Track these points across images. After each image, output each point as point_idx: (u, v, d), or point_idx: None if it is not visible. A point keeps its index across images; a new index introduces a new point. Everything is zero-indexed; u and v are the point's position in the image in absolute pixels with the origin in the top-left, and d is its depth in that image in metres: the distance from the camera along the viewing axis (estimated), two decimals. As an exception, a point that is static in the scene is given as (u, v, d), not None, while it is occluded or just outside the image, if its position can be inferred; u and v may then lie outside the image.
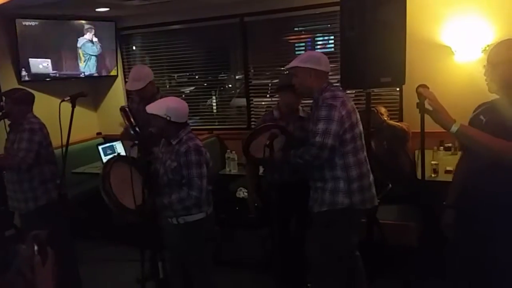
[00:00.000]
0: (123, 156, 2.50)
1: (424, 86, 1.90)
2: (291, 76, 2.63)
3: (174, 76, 5.48)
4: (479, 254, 1.97)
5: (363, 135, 2.53)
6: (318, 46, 4.79)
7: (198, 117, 5.28)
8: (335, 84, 2.67)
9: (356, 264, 2.73)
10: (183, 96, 5.31)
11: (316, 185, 2.51)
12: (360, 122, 2.51)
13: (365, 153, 2.53)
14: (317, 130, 2.33)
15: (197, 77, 5.32)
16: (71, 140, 2.67)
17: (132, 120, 2.49)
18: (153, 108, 2.42)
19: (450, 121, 1.77)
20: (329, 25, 4.52)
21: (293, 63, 2.54)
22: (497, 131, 1.78)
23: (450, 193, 2.16)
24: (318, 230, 2.54)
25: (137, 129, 2.53)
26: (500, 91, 1.86)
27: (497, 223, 1.87)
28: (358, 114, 2.50)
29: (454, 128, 1.76)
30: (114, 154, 2.65)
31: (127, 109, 2.73)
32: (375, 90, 3.98)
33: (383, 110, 3.86)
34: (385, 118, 3.81)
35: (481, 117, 1.95)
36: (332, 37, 4.57)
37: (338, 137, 2.34)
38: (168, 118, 2.37)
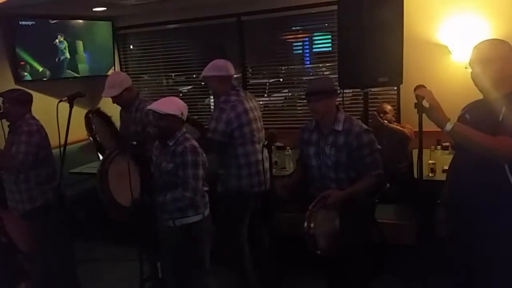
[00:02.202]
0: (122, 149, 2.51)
1: (421, 86, 1.91)
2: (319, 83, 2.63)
3: (171, 75, 5.48)
4: (467, 251, 2.00)
5: (257, 131, 2.96)
6: (316, 45, 4.81)
7: (195, 117, 5.25)
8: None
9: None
10: (181, 95, 5.31)
11: (219, 172, 3.01)
12: (255, 121, 2.94)
13: (256, 146, 2.92)
14: (209, 128, 2.84)
15: (194, 76, 5.31)
16: (68, 140, 2.66)
17: (92, 127, 2.66)
18: (164, 107, 2.38)
19: (444, 119, 1.78)
20: (326, 24, 4.54)
21: (202, 73, 2.97)
22: (479, 129, 1.80)
23: (443, 191, 2.18)
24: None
25: (97, 137, 2.70)
26: (489, 89, 1.88)
27: (481, 221, 1.90)
28: (255, 113, 2.96)
29: (448, 126, 1.77)
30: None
31: (90, 116, 2.78)
32: (373, 89, 4.00)
33: (388, 108, 3.86)
34: (391, 117, 3.83)
35: (466, 115, 2.00)
36: (329, 37, 4.59)
37: (226, 134, 2.82)
38: (182, 117, 2.40)
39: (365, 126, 2.47)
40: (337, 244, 2.34)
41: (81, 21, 4.88)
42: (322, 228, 2.30)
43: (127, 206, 2.34)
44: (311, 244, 2.29)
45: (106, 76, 5.13)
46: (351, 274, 2.60)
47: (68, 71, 4.86)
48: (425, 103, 1.83)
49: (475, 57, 1.90)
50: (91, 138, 2.79)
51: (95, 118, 2.95)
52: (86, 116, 2.86)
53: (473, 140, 1.78)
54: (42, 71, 4.62)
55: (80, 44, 4.93)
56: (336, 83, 3.18)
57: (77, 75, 4.94)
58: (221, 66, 2.91)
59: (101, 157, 4.03)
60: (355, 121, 2.48)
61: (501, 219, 1.85)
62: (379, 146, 2.47)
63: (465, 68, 1.99)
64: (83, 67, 5.00)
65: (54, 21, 4.64)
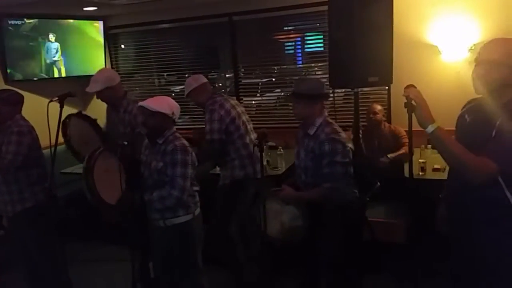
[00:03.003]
0: (107, 147, 2.50)
1: (411, 86, 1.92)
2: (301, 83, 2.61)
3: (163, 75, 5.47)
4: (461, 254, 1.99)
5: (247, 122, 3.21)
6: (308, 45, 4.83)
7: (187, 117, 5.27)
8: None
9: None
10: (173, 95, 5.30)
11: (222, 168, 3.22)
12: (243, 114, 3.20)
13: (251, 136, 3.18)
14: (206, 131, 3.03)
15: (186, 75, 5.29)
16: (59, 141, 2.65)
17: (67, 132, 2.74)
18: (155, 105, 2.37)
19: (427, 120, 1.73)
20: (318, 24, 4.56)
21: (185, 92, 3.23)
22: (477, 135, 1.74)
23: (445, 186, 2.15)
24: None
25: (71, 142, 2.79)
26: (491, 92, 1.76)
27: (476, 226, 1.86)
28: (240, 108, 3.21)
29: (430, 128, 1.72)
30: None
31: (67, 120, 2.79)
32: (364, 89, 4.03)
33: (378, 108, 3.88)
34: (381, 117, 3.86)
35: (466, 116, 1.93)
36: (321, 37, 4.61)
37: (222, 131, 3.01)
38: (173, 116, 2.40)
39: (333, 135, 2.35)
40: (285, 237, 2.37)
41: (71, 20, 4.85)
42: (269, 215, 2.36)
43: (113, 204, 2.33)
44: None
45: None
46: (324, 274, 2.59)
47: (58, 70, 4.83)
48: (414, 103, 1.83)
49: (485, 57, 1.74)
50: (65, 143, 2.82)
51: (74, 121, 2.94)
52: (63, 121, 2.84)
53: (451, 151, 1.71)
54: (32, 71, 4.58)
55: (70, 44, 4.90)
56: (327, 85, 3.21)
57: (67, 75, 4.90)
58: (191, 81, 3.21)
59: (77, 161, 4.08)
60: (329, 128, 2.39)
61: (495, 227, 1.79)
62: (345, 160, 2.36)
63: (457, 72, 1.95)
64: (74, 67, 4.97)
65: (44, 21, 4.61)
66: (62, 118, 2.67)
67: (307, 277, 2.72)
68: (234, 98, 3.42)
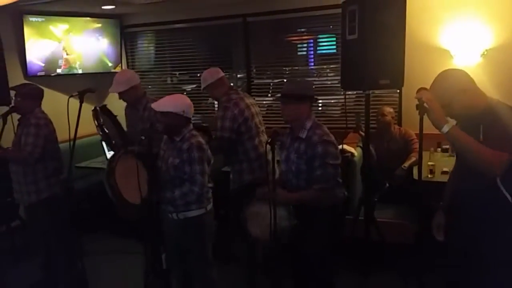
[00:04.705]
0: (129, 149, 2.58)
1: (423, 89, 1.96)
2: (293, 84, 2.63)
3: (175, 74, 5.55)
4: (461, 253, 2.04)
5: (260, 124, 3.16)
6: (320, 47, 4.86)
7: (199, 115, 5.34)
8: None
9: None
10: (185, 93, 5.37)
11: (230, 169, 3.17)
12: (256, 115, 3.14)
13: (261, 138, 3.10)
14: (217, 127, 2.98)
15: (198, 75, 5.37)
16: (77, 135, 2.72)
17: (100, 119, 2.78)
18: (166, 105, 2.46)
19: (442, 121, 1.81)
20: (331, 26, 4.60)
21: (202, 86, 3.17)
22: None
23: (445, 194, 2.22)
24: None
25: (104, 128, 2.83)
26: (466, 117, 1.94)
27: (476, 226, 1.92)
28: (255, 108, 3.16)
29: (445, 129, 1.80)
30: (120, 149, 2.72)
31: (98, 108, 2.87)
32: (376, 92, 4.06)
33: (388, 110, 3.91)
34: (390, 119, 3.88)
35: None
36: (334, 39, 4.65)
37: (233, 131, 2.96)
38: (184, 114, 2.46)
39: (325, 137, 2.36)
40: (272, 238, 2.35)
41: (89, 18, 4.96)
42: (257, 216, 2.41)
43: (135, 203, 2.40)
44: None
45: (113, 73, 5.28)
46: (312, 275, 2.60)
47: (76, 67, 4.94)
48: (426, 106, 1.88)
49: (440, 103, 1.89)
50: (98, 129, 2.87)
51: (101, 114, 3.03)
52: (94, 110, 2.93)
53: (468, 146, 1.80)
54: (50, 67, 4.70)
55: (88, 41, 5.00)
56: (338, 84, 3.24)
57: (84, 71, 5.01)
58: (208, 76, 3.16)
59: (106, 148, 4.14)
60: (320, 130, 2.40)
61: (495, 226, 1.87)
62: (336, 161, 2.38)
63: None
64: (91, 64, 5.08)
65: (63, 18, 4.72)
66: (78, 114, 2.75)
67: (295, 277, 2.73)
68: (251, 97, 3.33)
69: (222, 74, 3.20)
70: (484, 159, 1.77)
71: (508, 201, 1.81)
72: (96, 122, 2.82)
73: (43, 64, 4.62)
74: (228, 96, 3.09)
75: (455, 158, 2.27)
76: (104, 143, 4.46)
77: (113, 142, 2.94)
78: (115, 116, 3.12)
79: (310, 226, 2.44)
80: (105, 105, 3.11)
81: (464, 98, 1.89)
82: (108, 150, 4.29)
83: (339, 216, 2.56)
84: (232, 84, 5.35)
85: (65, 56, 4.82)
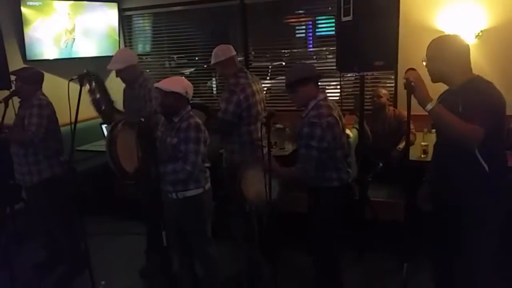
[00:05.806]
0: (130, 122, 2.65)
1: (411, 69, 2.02)
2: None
3: (173, 57, 5.56)
4: (445, 229, 2.17)
5: (262, 111, 3.13)
6: (319, 29, 4.85)
7: (198, 99, 5.38)
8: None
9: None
10: (183, 77, 5.39)
11: (223, 148, 3.21)
12: (259, 103, 3.12)
13: (258, 125, 3.01)
14: (220, 109, 3.00)
15: (197, 58, 5.40)
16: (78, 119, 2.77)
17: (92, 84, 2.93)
18: (170, 86, 2.50)
19: (426, 99, 1.91)
20: (330, 8, 4.54)
21: (212, 62, 3.13)
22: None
23: (429, 169, 2.32)
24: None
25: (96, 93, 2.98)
26: (441, 80, 2.08)
27: (457, 197, 2.07)
28: (260, 95, 3.14)
29: (429, 106, 1.91)
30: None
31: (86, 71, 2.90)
32: (374, 73, 4.09)
33: (383, 92, 3.94)
34: (385, 101, 3.91)
35: (441, 104, 2.07)
36: (333, 20, 4.57)
37: (235, 115, 2.98)
38: (186, 95, 2.52)
39: (313, 119, 2.36)
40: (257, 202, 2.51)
41: (87, 1, 4.96)
42: (250, 177, 2.55)
43: (131, 172, 2.51)
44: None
45: (110, 56, 5.27)
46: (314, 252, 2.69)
47: (74, 51, 4.97)
48: (414, 84, 1.95)
49: (426, 53, 2.09)
50: (89, 94, 3.05)
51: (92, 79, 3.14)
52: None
53: (448, 123, 1.90)
54: (48, 51, 4.72)
55: (86, 25, 5.01)
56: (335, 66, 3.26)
57: (83, 55, 5.04)
58: (219, 53, 3.10)
59: (105, 131, 4.21)
60: (315, 111, 2.38)
61: (474, 193, 2.02)
62: (321, 144, 2.35)
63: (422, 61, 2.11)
64: (89, 48, 5.10)
65: (61, 2, 4.72)
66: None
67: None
68: (259, 81, 3.25)
69: (234, 52, 3.15)
70: (463, 134, 1.87)
71: (485, 169, 1.96)
72: (88, 87, 2.88)
73: (42, 48, 4.64)
74: (236, 79, 3.05)
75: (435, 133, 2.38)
76: (103, 126, 4.55)
77: (102, 108, 3.02)
78: (102, 80, 3.21)
79: (314, 207, 2.55)
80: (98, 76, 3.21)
81: (437, 63, 2.04)
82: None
83: (341, 199, 2.53)
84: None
85: (63, 39, 4.84)
